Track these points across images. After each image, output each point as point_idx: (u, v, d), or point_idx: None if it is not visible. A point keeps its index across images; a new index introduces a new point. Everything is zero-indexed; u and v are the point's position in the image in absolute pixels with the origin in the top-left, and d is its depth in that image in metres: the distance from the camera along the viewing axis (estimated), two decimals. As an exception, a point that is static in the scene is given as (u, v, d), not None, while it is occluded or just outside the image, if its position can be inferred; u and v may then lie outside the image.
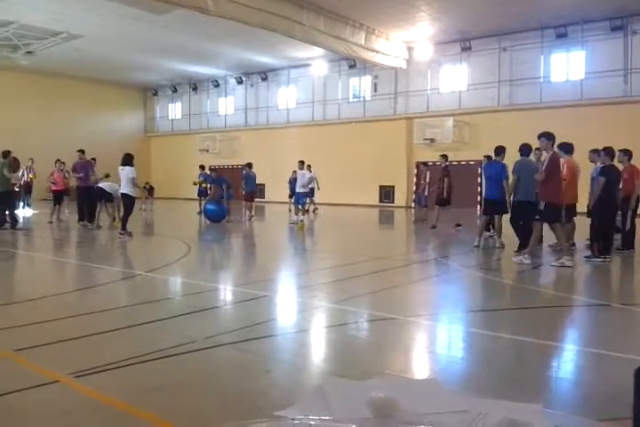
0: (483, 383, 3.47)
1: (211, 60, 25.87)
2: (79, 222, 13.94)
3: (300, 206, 15.33)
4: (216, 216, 15.02)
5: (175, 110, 33.00)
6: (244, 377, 3.56)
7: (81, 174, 14.04)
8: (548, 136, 8.31)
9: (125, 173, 11.37)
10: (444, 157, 13.54)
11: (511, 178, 9.40)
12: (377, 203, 24.17)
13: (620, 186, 9.14)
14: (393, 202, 23.59)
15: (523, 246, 8.96)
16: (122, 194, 11.58)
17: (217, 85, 30.13)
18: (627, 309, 5.59)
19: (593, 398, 3.24)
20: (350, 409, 1.22)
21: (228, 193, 16.23)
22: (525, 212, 8.83)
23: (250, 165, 16.76)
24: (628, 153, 9.47)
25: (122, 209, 12.17)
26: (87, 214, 13.77)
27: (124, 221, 11.44)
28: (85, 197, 13.77)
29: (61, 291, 6.35)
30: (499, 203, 9.89)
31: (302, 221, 14.53)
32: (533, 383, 3.56)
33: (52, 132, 27.74)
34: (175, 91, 32.08)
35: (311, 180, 16.74)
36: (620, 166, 9.29)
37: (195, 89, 31.11)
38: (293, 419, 1.22)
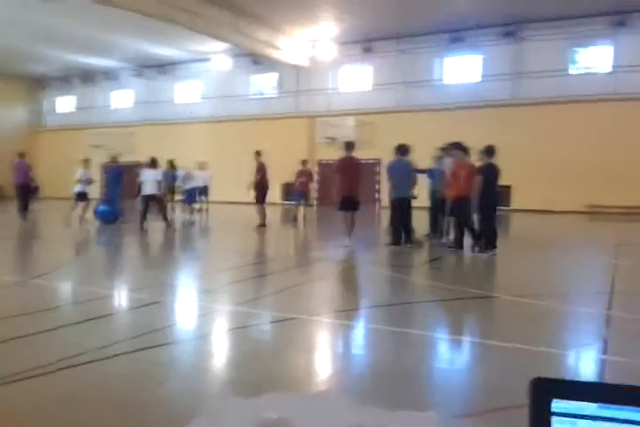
0: (381, 381, 3.49)
1: (106, 52, 24.61)
2: None
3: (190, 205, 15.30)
4: (109, 218, 14.18)
5: (66, 104, 31.12)
6: (140, 389, 3.37)
7: None
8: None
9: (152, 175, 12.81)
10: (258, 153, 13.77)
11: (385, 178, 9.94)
12: (280, 201, 24.13)
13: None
14: (294, 200, 23.60)
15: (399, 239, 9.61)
16: (147, 195, 12.87)
17: (112, 78, 28.75)
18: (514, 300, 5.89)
19: (485, 389, 3.35)
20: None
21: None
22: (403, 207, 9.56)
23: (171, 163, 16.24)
24: (464, 149, 9.58)
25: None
26: None
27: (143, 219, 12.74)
28: None
29: None
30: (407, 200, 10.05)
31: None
32: (430, 378, 3.64)
33: None
34: (66, 82, 30.24)
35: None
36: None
37: (87, 81, 29.49)
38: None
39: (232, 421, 1.19)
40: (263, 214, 13.44)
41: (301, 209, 15.50)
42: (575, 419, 0.71)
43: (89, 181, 14.97)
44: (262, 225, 13.31)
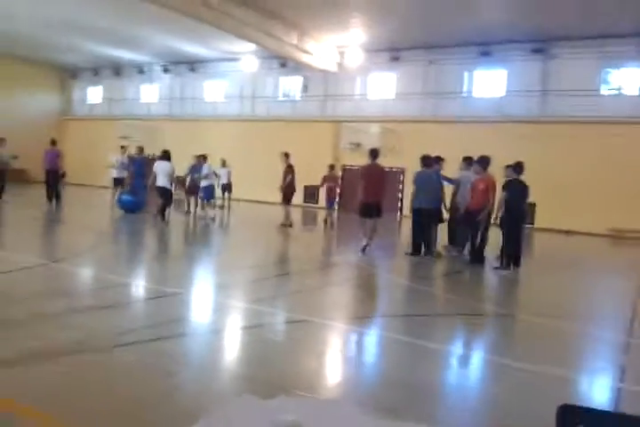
0: (391, 392, 3.48)
1: (136, 46, 24.84)
2: None
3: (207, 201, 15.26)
4: (132, 207, 14.36)
5: (95, 94, 31.52)
6: (147, 379, 3.39)
7: None
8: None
9: (165, 167, 12.82)
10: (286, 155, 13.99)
11: (411, 187, 10.11)
12: (301, 203, 24.16)
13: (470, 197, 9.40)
14: (317, 203, 23.64)
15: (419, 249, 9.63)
16: (159, 187, 12.87)
17: (141, 72, 29.03)
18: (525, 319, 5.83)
19: (496, 409, 3.32)
20: (255, 433, 1.12)
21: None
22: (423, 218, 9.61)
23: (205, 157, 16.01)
24: (483, 162, 9.54)
25: None
26: None
27: (162, 211, 12.76)
28: None
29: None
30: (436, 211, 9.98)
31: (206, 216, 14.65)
32: (442, 393, 3.62)
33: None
34: (96, 74, 30.61)
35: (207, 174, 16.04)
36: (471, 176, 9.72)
37: (117, 74, 29.83)
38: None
39: (246, 419, 1.21)
40: (287, 215, 13.53)
41: (329, 213, 15.50)
42: None
43: (125, 167, 15.97)
44: (285, 225, 13.40)
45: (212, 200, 15.56)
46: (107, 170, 17.76)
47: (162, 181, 12.83)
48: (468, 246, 9.72)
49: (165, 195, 12.89)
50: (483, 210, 9.04)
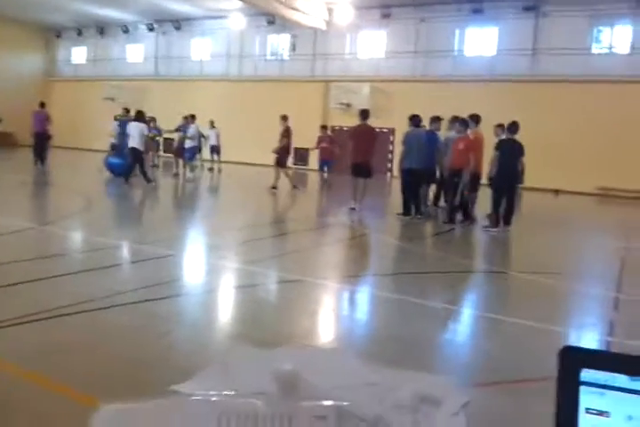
0: (386, 347, 3.53)
1: (120, 4, 24.05)
2: None
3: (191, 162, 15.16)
4: (119, 169, 14.13)
5: (79, 55, 30.69)
6: (143, 339, 3.42)
7: None
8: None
9: (137, 128, 12.42)
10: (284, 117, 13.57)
11: (399, 147, 9.96)
12: (291, 165, 24.03)
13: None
14: (307, 165, 23.50)
15: (409, 210, 9.52)
16: (131, 148, 12.43)
17: (126, 31, 28.18)
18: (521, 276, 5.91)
19: (490, 362, 3.39)
20: (254, 383, 1.13)
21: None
22: (412, 178, 9.49)
23: (193, 117, 15.68)
24: (464, 122, 9.48)
25: None
26: None
27: (143, 173, 12.45)
28: None
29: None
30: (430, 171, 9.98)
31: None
32: (436, 347, 3.68)
33: None
34: (80, 34, 29.68)
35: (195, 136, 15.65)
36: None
37: (102, 33, 28.97)
38: (191, 395, 1.11)
39: (247, 369, 1.22)
40: (278, 177, 13.17)
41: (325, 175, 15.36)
42: (604, 390, 0.69)
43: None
44: (275, 187, 13.22)
45: (194, 161, 15.33)
46: (106, 137, 17.57)
47: (133, 142, 12.46)
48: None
49: (136, 156, 12.52)
50: (462, 170, 8.96)
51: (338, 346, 3.27)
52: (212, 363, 1.21)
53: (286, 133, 13.35)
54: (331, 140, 15.90)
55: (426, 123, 10.30)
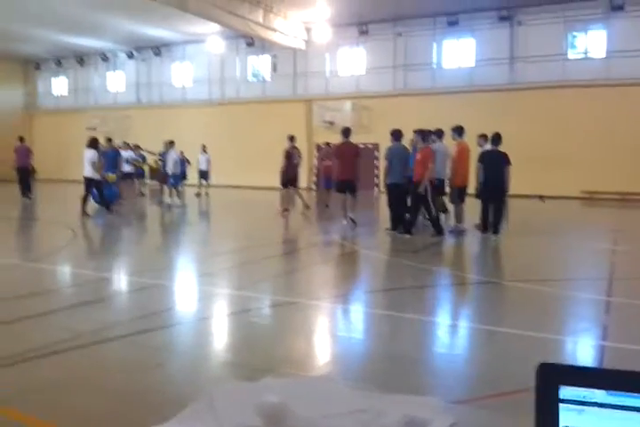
0: (382, 366, 3.50)
1: (98, 33, 24.17)
2: None
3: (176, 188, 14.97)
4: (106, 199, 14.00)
5: (60, 86, 30.74)
6: (135, 372, 3.37)
7: None
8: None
9: (87, 155, 12.08)
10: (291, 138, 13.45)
11: (383, 163, 10.08)
12: (278, 185, 24.05)
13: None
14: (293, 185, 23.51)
15: (398, 224, 9.48)
16: (83, 177, 12.18)
17: (105, 59, 28.35)
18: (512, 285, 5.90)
19: (486, 374, 3.37)
20: (240, 418, 1.10)
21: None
22: (397, 193, 9.53)
23: (172, 143, 15.59)
24: (424, 134, 9.46)
25: None
26: None
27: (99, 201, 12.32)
28: None
29: None
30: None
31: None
32: (430, 362, 3.65)
33: None
34: (59, 64, 29.81)
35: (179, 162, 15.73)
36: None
37: (81, 63, 29.09)
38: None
39: (231, 404, 1.19)
40: (285, 199, 13.17)
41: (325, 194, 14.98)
42: (583, 406, 0.69)
43: (132, 162, 16.35)
44: (287, 210, 13.01)
45: (179, 187, 15.15)
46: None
47: (86, 171, 12.12)
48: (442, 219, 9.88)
49: (89, 185, 12.14)
50: (421, 181, 9.01)
51: (324, 374, 3.24)
52: (196, 400, 1.19)
53: (286, 155, 13.18)
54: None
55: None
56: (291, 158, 13.20)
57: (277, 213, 12.71)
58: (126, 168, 16.63)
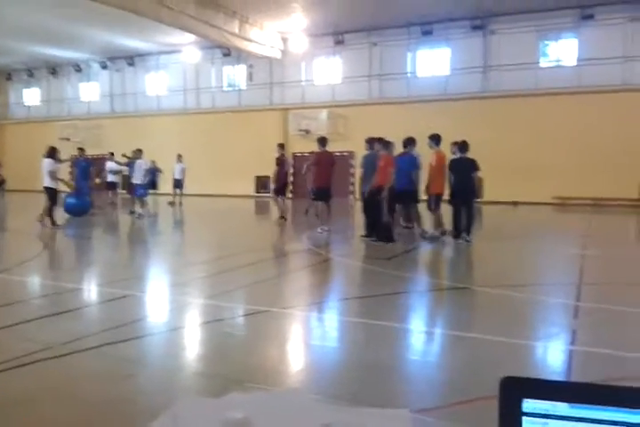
0: (355, 374, 3.48)
1: (71, 43, 23.98)
2: None
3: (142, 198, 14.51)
4: (77, 210, 13.80)
5: (32, 96, 30.35)
6: (106, 383, 3.29)
7: None
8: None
9: (45, 165, 11.89)
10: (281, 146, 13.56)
11: (359, 170, 10.46)
12: (253, 193, 24.02)
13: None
14: (269, 192, 23.50)
15: (373, 231, 9.49)
16: (44, 187, 11.90)
17: (79, 70, 28.11)
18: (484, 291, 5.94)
19: (457, 380, 3.36)
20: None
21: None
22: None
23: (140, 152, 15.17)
24: (382, 142, 9.65)
25: None
26: None
27: (50, 214, 11.69)
28: None
29: None
30: (409, 193, 9.89)
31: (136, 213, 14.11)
32: (402, 369, 3.64)
33: None
34: (32, 75, 29.45)
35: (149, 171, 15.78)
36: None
37: (54, 73, 28.79)
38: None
39: (196, 421, 1.15)
40: (280, 207, 13.14)
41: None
42: (547, 419, 0.68)
43: (115, 172, 16.69)
44: (283, 218, 13.05)
45: (144, 197, 14.77)
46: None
47: (45, 181, 11.87)
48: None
49: (49, 195, 11.77)
50: (382, 187, 9.14)
51: (292, 388, 3.21)
52: (160, 415, 1.14)
53: (278, 162, 13.13)
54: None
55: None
56: (283, 166, 13.09)
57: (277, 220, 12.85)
58: (110, 178, 16.90)
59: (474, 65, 20.24)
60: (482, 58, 20.26)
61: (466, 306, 5.47)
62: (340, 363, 3.77)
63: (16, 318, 4.60)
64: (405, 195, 9.67)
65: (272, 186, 13.52)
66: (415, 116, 19.33)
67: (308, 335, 4.53)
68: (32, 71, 29.23)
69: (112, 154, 17.41)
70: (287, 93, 23.73)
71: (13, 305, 5.24)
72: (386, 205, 9.20)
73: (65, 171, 21.33)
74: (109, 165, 16.87)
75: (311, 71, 23.49)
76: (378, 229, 9.37)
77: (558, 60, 19.93)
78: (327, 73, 23.28)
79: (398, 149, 9.98)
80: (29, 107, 30.42)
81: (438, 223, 9.83)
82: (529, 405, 0.68)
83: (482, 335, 4.17)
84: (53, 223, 11.63)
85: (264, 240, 10.80)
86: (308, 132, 22.42)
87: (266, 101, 24.10)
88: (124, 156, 16.01)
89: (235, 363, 3.68)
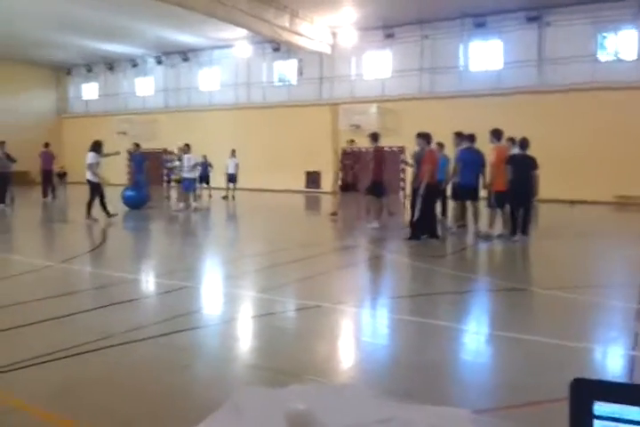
0: (407, 373, 3.48)
1: (127, 39, 24.64)
2: None
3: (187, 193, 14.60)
4: (135, 203, 14.31)
5: (90, 91, 31.40)
6: (163, 373, 3.41)
7: None
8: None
9: (87, 159, 12.13)
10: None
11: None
12: (303, 188, 24.12)
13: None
14: (319, 188, 23.59)
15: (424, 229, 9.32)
16: (86, 180, 12.17)
17: (135, 65, 28.85)
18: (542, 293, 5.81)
19: (513, 383, 3.31)
20: (267, 424, 1.10)
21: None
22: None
23: (188, 147, 15.37)
24: (425, 137, 9.33)
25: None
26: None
27: (89, 206, 11.74)
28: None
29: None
30: (471, 189, 9.80)
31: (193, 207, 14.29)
32: (456, 370, 3.61)
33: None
34: (90, 70, 30.44)
35: (196, 164, 15.45)
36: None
37: (111, 68, 29.66)
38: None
39: (258, 411, 1.19)
40: (337, 203, 13.37)
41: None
42: (618, 423, 0.67)
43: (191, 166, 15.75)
44: (334, 213, 13.08)
45: (193, 192, 14.96)
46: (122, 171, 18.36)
47: (87, 174, 12.11)
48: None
49: (91, 187, 12.01)
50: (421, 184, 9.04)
51: (350, 382, 3.23)
52: (222, 405, 1.19)
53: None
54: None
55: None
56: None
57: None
58: (187, 174, 15.09)
59: (528, 58, 19.67)
60: (536, 51, 19.66)
61: (523, 307, 5.34)
62: (391, 361, 3.76)
63: (76, 308, 4.80)
64: (467, 191, 9.67)
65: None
66: (467, 111, 18.96)
67: (359, 332, 4.55)
68: (90, 66, 30.19)
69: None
70: (337, 88, 23.68)
71: (74, 294, 5.47)
72: (421, 201, 8.99)
73: (123, 164, 22.13)
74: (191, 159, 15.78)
75: (361, 65, 23.35)
76: (420, 225, 9.25)
77: (617, 53, 19.14)
78: (377, 67, 23.10)
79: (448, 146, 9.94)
80: (87, 101, 31.43)
81: (493, 223, 9.59)
82: (600, 408, 0.68)
83: (539, 338, 4.07)
84: (89, 216, 11.62)
85: (315, 235, 10.86)
86: (358, 127, 22.31)
87: (316, 96, 24.13)
88: (169, 152, 16.46)
89: (287, 356, 3.74)
